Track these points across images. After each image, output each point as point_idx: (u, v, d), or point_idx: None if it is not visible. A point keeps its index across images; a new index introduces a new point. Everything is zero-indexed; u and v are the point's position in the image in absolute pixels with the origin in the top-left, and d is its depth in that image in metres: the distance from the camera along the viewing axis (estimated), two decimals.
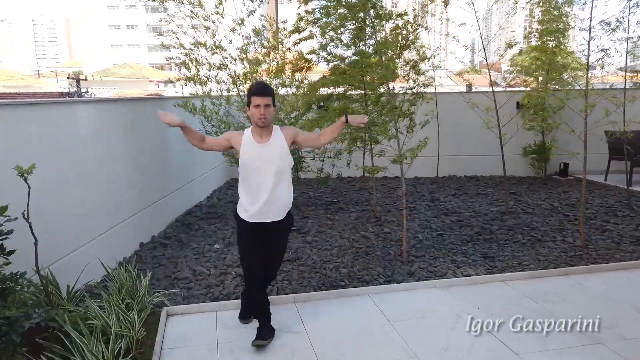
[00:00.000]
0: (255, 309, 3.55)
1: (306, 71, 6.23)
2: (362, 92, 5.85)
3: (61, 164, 4.06)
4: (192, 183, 7.35)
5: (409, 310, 3.90)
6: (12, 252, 2.59)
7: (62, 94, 22.20)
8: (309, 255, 5.15)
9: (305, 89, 5.99)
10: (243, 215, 3.29)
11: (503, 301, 4.03)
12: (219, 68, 6.12)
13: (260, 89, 3.17)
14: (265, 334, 3.35)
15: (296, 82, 6.49)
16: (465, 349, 3.31)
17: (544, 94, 7.49)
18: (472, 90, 11.20)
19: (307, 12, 5.76)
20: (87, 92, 25.22)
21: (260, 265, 3.38)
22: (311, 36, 5.82)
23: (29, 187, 2.69)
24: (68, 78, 29.07)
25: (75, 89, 25.77)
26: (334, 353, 3.29)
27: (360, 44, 5.62)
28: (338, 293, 4.19)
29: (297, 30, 5.82)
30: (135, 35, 67.18)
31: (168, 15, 5.97)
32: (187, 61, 6.06)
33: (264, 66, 6.38)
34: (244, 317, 3.73)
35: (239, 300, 4.01)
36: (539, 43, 7.68)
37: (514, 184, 8.86)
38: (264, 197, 3.19)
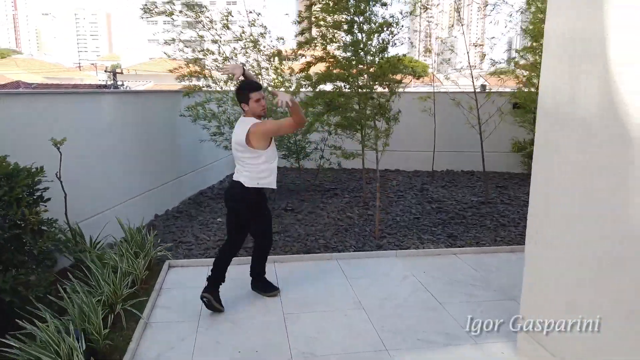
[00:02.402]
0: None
1: (308, 69, 6.99)
2: (349, 87, 6.55)
3: (90, 144, 5.02)
4: (205, 168, 8.29)
5: (366, 272, 4.68)
6: (48, 199, 3.51)
7: (99, 86, 23.68)
8: (296, 229, 5.98)
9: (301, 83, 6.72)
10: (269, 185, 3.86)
11: (448, 268, 4.76)
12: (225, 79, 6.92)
13: (257, 85, 3.80)
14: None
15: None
16: (401, 299, 4.08)
17: (534, 93, 8.03)
18: (487, 91, 11.71)
19: (306, 6, 6.53)
20: (122, 84, 26.70)
21: None
22: (311, 40, 6.60)
23: (61, 154, 3.64)
24: (105, 71, 30.79)
25: (112, 82, 27.31)
26: (297, 298, 4.11)
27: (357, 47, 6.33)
28: (311, 257, 5.01)
29: (301, 21, 6.58)
30: (172, 30, 69.26)
31: (174, 26, 6.79)
32: (190, 71, 6.86)
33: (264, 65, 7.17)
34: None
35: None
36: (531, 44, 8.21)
37: (505, 179, 9.45)
38: None
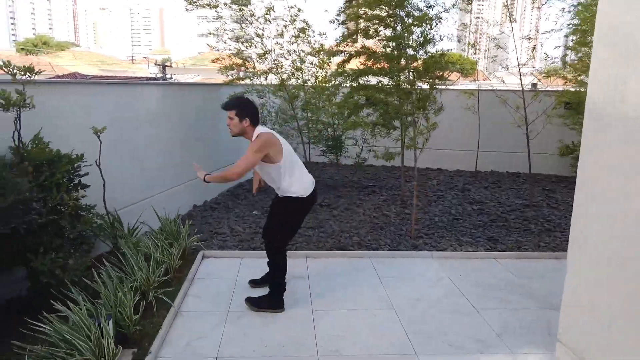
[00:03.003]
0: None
1: (349, 61, 6.89)
2: (391, 82, 6.41)
3: (132, 134, 5.13)
4: None
5: (400, 271, 4.56)
6: (87, 186, 3.60)
7: (149, 79, 24.37)
8: (331, 225, 5.92)
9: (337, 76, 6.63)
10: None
11: (485, 272, 4.57)
12: (267, 72, 6.95)
13: (222, 105, 3.71)
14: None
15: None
16: (434, 301, 3.95)
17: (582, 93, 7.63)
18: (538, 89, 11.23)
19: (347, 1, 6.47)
20: (171, 77, 27.40)
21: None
22: (356, 31, 6.51)
23: (100, 142, 3.72)
24: (155, 64, 31.77)
25: (161, 75, 28.07)
26: (325, 294, 4.05)
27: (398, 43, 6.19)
28: (343, 254, 4.94)
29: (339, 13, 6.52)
30: (216, 20, 70.69)
31: (219, 18, 6.83)
32: (232, 64, 6.91)
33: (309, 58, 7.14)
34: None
35: (262, 251, 4.87)
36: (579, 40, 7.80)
37: (553, 182, 9.04)
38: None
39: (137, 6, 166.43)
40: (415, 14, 5.94)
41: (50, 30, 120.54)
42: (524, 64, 8.41)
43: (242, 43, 6.86)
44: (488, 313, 3.75)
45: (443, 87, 6.03)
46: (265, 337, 3.37)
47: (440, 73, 6.04)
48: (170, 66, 30.95)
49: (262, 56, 6.99)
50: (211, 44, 7.00)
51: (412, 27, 5.67)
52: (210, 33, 6.93)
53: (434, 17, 5.62)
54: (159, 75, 29.02)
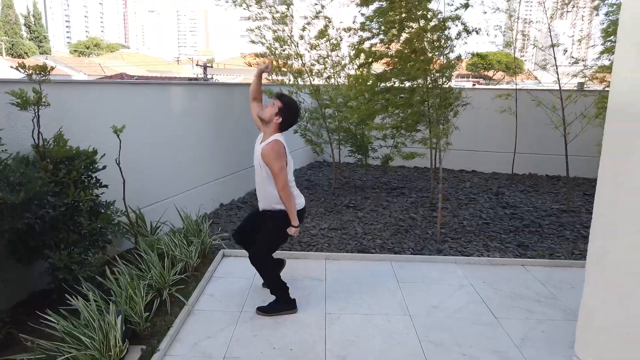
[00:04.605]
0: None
1: (369, 66, 6.75)
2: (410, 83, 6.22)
3: (158, 133, 5.22)
4: None
5: (420, 276, 4.43)
6: (105, 186, 3.67)
7: (190, 79, 24.97)
8: (354, 227, 5.83)
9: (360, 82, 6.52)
10: None
11: (512, 281, 4.37)
12: (300, 71, 6.98)
13: (278, 94, 3.72)
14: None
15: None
16: (452, 309, 3.80)
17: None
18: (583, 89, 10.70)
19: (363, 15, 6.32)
20: (212, 78, 27.98)
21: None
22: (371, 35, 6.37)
23: (120, 141, 3.80)
24: (197, 65, 32.59)
25: (203, 75, 28.74)
26: (341, 297, 3.98)
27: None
28: (364, 256, 4.85)
29: (362, 29, 6.36)
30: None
31: (257, 13, 6.89)
32: (268, 55, 6.98)
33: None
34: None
35: (281, 251, 4.85)
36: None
37: (594, 186, 8.43)
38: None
39: (184, 8, 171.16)
40: (429, 15, 5.73)
41: (102, 33, 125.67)
42: (575, 62, 8.01)
43: (280, 43, 6.91)
44: (509, 323, 3.58)
45: (480, 87, 5.82)
46: (274, 339, 3.33)
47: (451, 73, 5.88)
48: (212, 67, 31.64)
49: (288, 57, 7.01)
50: (252, 38, 7.07)
51: (427, 31, 5.47)
52: (248, 29, 7.00)
53: (446, 20, 5.42)
54: (200, 76, 29.76)
